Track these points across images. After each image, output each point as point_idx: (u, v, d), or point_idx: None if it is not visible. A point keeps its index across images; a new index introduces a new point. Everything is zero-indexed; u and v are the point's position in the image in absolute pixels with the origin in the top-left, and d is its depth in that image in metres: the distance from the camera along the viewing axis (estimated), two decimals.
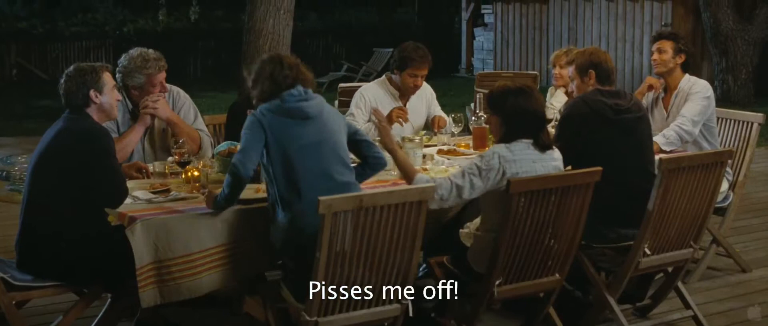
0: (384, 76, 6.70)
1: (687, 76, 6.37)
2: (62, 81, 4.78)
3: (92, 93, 4.75)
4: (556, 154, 4.80)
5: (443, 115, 6.69)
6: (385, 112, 6.50)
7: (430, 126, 6.63)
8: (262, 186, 4.86)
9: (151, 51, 5.70)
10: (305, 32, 21.97)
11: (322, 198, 3.98)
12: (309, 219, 4.34)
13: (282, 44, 11.14)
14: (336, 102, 8.48)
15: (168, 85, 5.88)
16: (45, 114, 14.83)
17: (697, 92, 6.26)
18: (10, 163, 9.30)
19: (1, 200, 8.54)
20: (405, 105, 6.60)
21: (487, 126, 5.95)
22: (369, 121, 6.46)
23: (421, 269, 5.44)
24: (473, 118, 6.16)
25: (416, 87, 6.49)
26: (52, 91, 19.29)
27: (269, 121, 4.51)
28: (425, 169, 5.35)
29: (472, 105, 6.69)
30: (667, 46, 6.34)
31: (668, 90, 6.41)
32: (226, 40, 22.47)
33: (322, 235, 4.02)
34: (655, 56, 6.37)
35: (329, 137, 4.62)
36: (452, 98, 15.08)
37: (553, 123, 6.18)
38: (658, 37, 6.46)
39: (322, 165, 4.54)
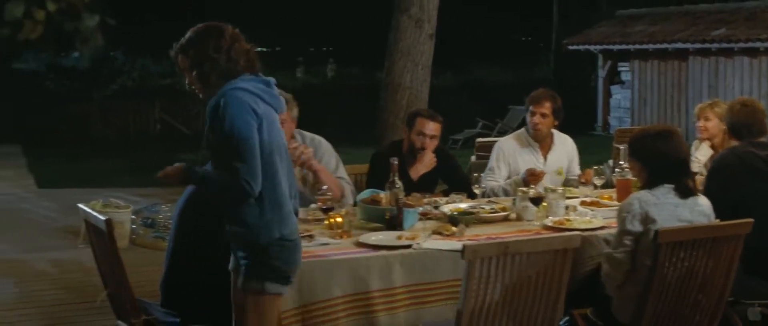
0: (523, 129, 6.69)
1: None
2: None
3: None
4: (701, 200, 4.67)
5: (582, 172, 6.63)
6: (524, 164, 6.46)
7: (578, 178, 6.54)
8: (405, 233, 4.88)
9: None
10: (440, 89, 22.09)
11: (467, 244, 3.95)
12: (288, 229, 4.12)
13: (419, 100, 11.23)
14: (473, 157, 8.46)
15: (310, 135, 5.99)
16: None
17: None
18: (155, 211, 9.56)
19: (147, 246, 8.79)
20: (545, 157, 6.56)
21: (631, 178, 5.87)
22: (509, 177, 6.44)
23: (562, 322, 5.34)
24: (617, 169, 6.07)
25: (534, 125, 6.49)
26: (193, 145, 19.92)
27: (262, 108, 4.09)
28: (568, 220, 5.27)
29: (610, 161, 6.61)
30: None
31: None
32: (361, 96, 22.74)
33: (468, 283, 3.99)
34: None
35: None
36: (589, 156, 14.82)
37: (697, 177, 6.04)
38: None
39: (291, 180, 4.27)
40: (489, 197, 6.24)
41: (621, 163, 6.05)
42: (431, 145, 6.20)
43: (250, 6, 31.43)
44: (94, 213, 4.73)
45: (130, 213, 9.02)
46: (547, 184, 6.11)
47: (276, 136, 4.13)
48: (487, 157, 7.03)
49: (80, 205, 5.08)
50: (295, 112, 5.81)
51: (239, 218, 4.08)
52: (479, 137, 16.59)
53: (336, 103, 22.54)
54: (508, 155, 6.54)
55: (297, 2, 31.60)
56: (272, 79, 4.23)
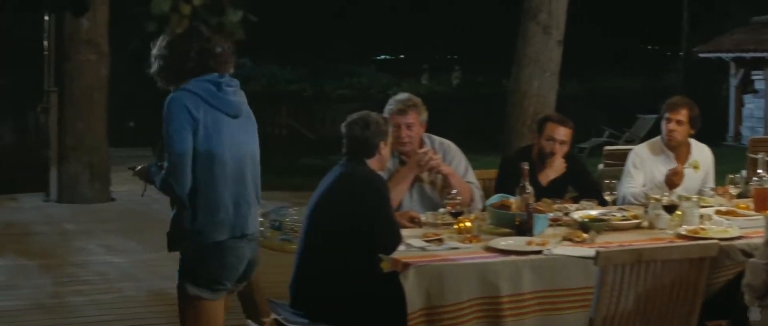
0: (658, 137, 6.55)
1: None
2: (358, 128, 4.91)
3: (382, 144, 4.89)
4: None
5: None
6: (659, 174, 6.33)
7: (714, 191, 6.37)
8: (535, 238, 4.83)
9: (404, 94, 5.87)
10: (567, 97, 21.87)
11: (600, 250, 3.88)
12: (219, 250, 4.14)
13: (546, 107, 11.11)
14: (600, 165, 8.32)
15: (439, 139, 5.98)
16: (312, 172, 15.33)
17: None
18: (283, 214, 9.62)
19: (274, 249, 8.88)
20: (683, 164, 6.41)
21: None
22: (644, 185, 6.30)
23: None
24: (755, 178, 5.89)
25: (669, 132, 6.32)
26: (319, 150, 20.08)
27: (203, 112, 4.08)
28: (703, 229, 5.12)
29: (744, 171, 6.43)
30: None
31: None
32: (486, 104, 22.66)
33: (600, 290, 3.92)
34: None
35: (251, 156, 4.29)
36: (720, 166, 14.44)
37: None
38: None
39: (238, 189, 4.20)
40: (626, 204, 6.13)
41: (759, 172, 5.87)
42: (561, 150, 6.13)
43: (374, 15, 31.66)
44: None
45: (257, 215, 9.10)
46: (680, 191, 5.98)
47: (221, 140, 4.12)
48: (616, 165, 6.90)
49: None
50: (424, 116, 5.81)
51: (176, 221, 4.15)
52: (606, 146, 16.37)
53: (461, 110, 22.51)
54: (644, 162, 6.39)
55: (422, 10, 31.69)
56: (227, 81, 4.20)
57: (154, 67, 4.25)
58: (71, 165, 12.22)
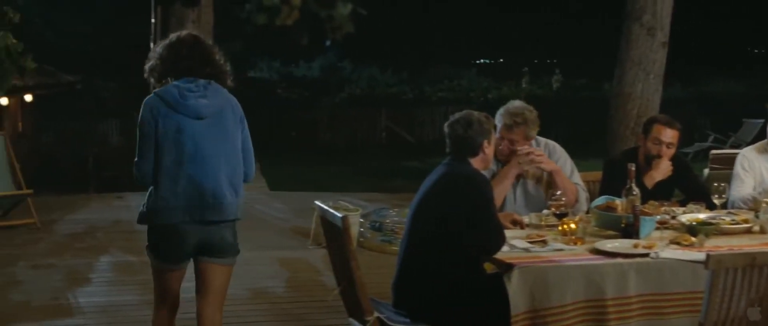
0: (766, 140, 6.38)
1: None
2: (460, 127, 4.91)
3: (485, 143, 4.87)
4: None
5: None
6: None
7: None
8: (642, 241, 4.74)
9: (516, 104, 5.82)
10: (669, 100, 21.48)
11: (711, 254, 3.79)
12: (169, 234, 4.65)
13: (650, 110, 10.95)
14: (706, 170, 8.16)
15: (544, 140, 5.93)
16: (412, 175, 15.40)
17: None
18: (383, 215, 9.68)
19: (373, 250, 8.92)
20: None
21: None
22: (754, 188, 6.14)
23: None
24: None
25: None
26: (418, 153, 20.09)
27: (164, 113, 4.57)
28: None
29: None
30: None
31: None
32: (586, 108, 22.42)
33: (711, 295, 3.83)
34: None
35: (225, 152, 4.68)
36: None
37: None
38: None
39: (196, 181, 4.61)
40: (735, 208, 5.98)
41: None
42: (668, 153, 6.02)
43: (474, 19, 31.59)
44: (332, 211, 4.82)
45: (358, 216, 9.14)
46: None
47: (179, 139, 4.57)
48: (722, 169, 6.74)
49: (317, 202, 5.18)
50: (533, 132, 5.77)
51: (146, 199, 4.68)
52: (711, 150, 16.02)
53: (562, 113, 22.31)
54: (753, 165, 6.23)
55: (522, 14, 31.54)
56: (190, 87, 4.60)
57: (147, 65, 4.76)
58: None
